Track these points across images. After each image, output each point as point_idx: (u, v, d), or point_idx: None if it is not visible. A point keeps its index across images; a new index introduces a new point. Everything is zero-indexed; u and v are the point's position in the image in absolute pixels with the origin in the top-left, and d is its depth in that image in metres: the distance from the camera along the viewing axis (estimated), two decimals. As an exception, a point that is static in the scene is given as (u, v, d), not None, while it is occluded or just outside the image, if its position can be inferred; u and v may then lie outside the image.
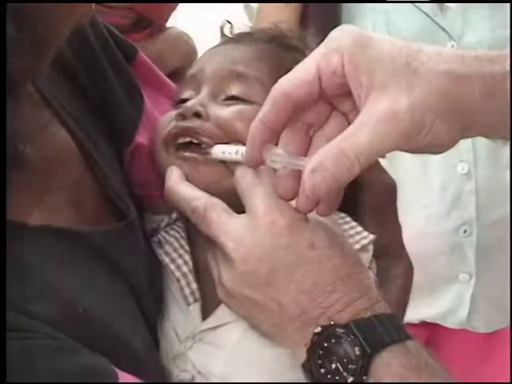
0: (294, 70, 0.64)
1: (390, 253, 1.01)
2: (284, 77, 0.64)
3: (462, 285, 1.49)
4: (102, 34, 0.81)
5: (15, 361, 0.53)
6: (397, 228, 1.06)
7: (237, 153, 0.72)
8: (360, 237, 0.80)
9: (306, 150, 0.67)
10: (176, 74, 1.73)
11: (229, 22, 0.92)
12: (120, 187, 0.76)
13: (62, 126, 0.72)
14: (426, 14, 1.44)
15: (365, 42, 0.61)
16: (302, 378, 0.70)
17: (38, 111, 0.69)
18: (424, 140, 0.60)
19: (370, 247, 0.81)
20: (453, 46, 1.40)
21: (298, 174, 0.65)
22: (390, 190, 0.96)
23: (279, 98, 0.63)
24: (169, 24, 1.89)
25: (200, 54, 1.01)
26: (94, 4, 0.65)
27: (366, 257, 0.79)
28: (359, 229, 0.81)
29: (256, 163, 0.67)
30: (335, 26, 1.43)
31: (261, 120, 0.64)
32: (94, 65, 0.79)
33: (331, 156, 0.60)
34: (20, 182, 0.60)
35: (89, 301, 0.62)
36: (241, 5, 1.85)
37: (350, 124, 0.64)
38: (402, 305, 1.04)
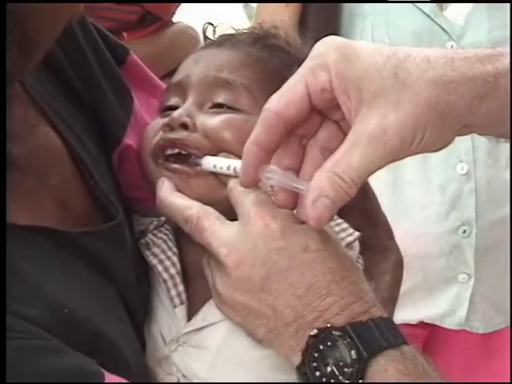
0: (283, 88, 0.64)
1: (377, 247, 1.01)
2: (274, 96, 0.64)
3: (461, 285, 1.49)
4: (91, 35, 0.81)
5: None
6: (379, 220, 1.06)
7: (229, 168, 0.73)
8: (345, 234, 0.79)
9: (300, 161, 0.67)
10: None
11: (211, 23, 0.92)
12: (108, 188, 0.76)
13: (50, 126, 0.71)
14: (427, 15, 1.43)
15: (351, 55, 0.61)
16: (287, 379, 0.70)
17: (26, 111, 0.68)
18: (416, 149, 0.61)
19: (356, 244, 0.80)
20: (452, 46, 1.40)
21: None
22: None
23: (271, 118, 0.63)
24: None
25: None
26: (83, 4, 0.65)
27: (352, 254, 0.79)
28: (345, 225, 0.80)
29: (252, 184, 0.67)
30: (335, 26, 1.44)
31: (254, 142, 0.64)
32: (83, 66, 0.78)
33: (328, 182, 0.61)
34: (8, 182, 0.60)
35: (75, 302, 0.62)
36: (240, 4, 1.85)
37: (341, 131, 0.65)
38: (392, 300, 1.04)
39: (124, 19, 1.70)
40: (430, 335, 1.52)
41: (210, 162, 0.74)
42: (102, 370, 0.57)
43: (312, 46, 0.65)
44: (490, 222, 1.47)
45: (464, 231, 1.47)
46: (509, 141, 0.66)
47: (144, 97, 0.88)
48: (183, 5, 1.87)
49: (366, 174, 0.61)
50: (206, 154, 0.75)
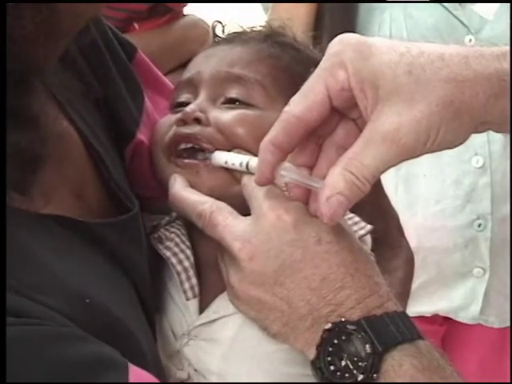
0: (302, 90, 0.63)
1: (388, 242, 1.00)
2: (294, 99, 0.64)
3: (476, 279, 1.49)
4: (105, 32, 0.82)
5: (26, 346, 0.53)
6: (391, 216, 1.05)
7: (241, 164, 0.72)
8: (357, 227, 0.78)
9: (315, 159, 0.67)
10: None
11: (219, 22, 0.92)
12: (122, 181, 0.76)
13: (66, 118, 0.72)
14: (445, 8, 1.42)
15: (366, 53, 0.61)
16: (301, 372, 0.70)
17: (45, 102, 0.68)
18: (431, 148, 0.61)
19: (368, 239, 0.80)
20: (471, 40, 1.39)
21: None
22: None
23: (291, 122, 0.63)
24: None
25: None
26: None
27: (364, 248, 0.78)
28: (356, 219, 0.79)
29: (267, 183, 0.67)
30: (352, 21, 1.43)
31: (271, 142, 0.64)
32: (98, 62, 0.79)
33: (343, 180, 0.61)
34: (27, 171, 0.61)
35: (94, 291, 0.62)
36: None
37: (358, 129, 0.65)
38: (404, 296, 1.04)
39: (135, 9, 1.70)
40: (447, 332, 1.51)
41: (221, 158, 0.74)
42: (126, 360, 0.57)
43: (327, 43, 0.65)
44: (505, 216, 1.46)
45: (479, 225, 1.46)
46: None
47: (151, 95, 0.88)
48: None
49: (379, 172, 0.61)
50: (218, 149, 0.75)
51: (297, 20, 1.38)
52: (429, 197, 1.48)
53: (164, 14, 1.77)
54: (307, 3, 1.49)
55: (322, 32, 1.36)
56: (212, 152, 0.75)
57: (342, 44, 0.62)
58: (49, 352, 0.53)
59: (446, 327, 1.52)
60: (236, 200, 0.71)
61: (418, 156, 0.62)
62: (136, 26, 1.70)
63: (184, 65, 1.78)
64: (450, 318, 1.52)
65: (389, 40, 0.64)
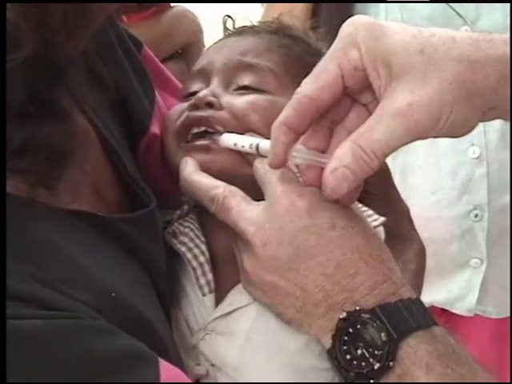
0: (315, 71, 0.64)
1: (400, 235, 1.00)
2: (306, 80, 0.64)
3: (473, 270, 1.48)
4: (116, 26, 0.82)
5: (57, 339, 0.53)
6: (402, 209, 1.06)
7: (250, 146, 0.72)
8: (371, 219, 0.78)
9: (327, 144, 0.67)
10: (184, 52, 1.75)
11: (230, 16, 0.93)
12: (137, 175, 0.76)
13: (82, 113, 0.71)
14: (441, -1, 1.43)
15: (378, 33, 0.62)
16: (316, 364, 0.70)
17: (63, 97, 0.68)
18: (442, 129, 0.61)
19: (381, 231, 0.79)
20: (467, 30, 1.39)
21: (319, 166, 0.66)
22: (382, 172, 0.95)
23: (304, 102, 0.63)
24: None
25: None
26: None
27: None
28: (370, 212, 0.79)
29: (281, 164, 0.66)
30: (349, 12, 1.43)
31: (284, 123, 0.64)
32: (110, 55, 0.79)
33: (350, 153, 0.61)
34: (50, 167, 0.61)
35: (119, 286, 0.62)
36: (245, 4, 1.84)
37: (369, 113, 0.64)
38: (417, 288, 1.04)
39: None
40: (445, 323, 1.50)
41: (230, 140, 0.74)
42: (156, 355, 0.57)
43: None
44: (502, 206, 1.46)
45: (476, 215, 1.46)
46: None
47: (157, 90, 0.88)
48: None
49: (388, 148, 0.61)
50: (229, 132, 0.75)
51: (293, 13, 1.38)
52: (425, 188, 1.48)
53: (151, 5, 1.77)
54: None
55: (318, 24, 1.36)
56: (222, 134, 0.75)
57: (354, 25, 0.63)
58: (80, 345, 0.53)
59: (444, 319, 1.52)
60: (246, 183, 0.71)
61: (429, 137, 0.62)
62: (124, 18, 1.69)
63: (172, 56, 1.79)
64: (448, 310, 1.52)
65: (399, 23, 0.64)
